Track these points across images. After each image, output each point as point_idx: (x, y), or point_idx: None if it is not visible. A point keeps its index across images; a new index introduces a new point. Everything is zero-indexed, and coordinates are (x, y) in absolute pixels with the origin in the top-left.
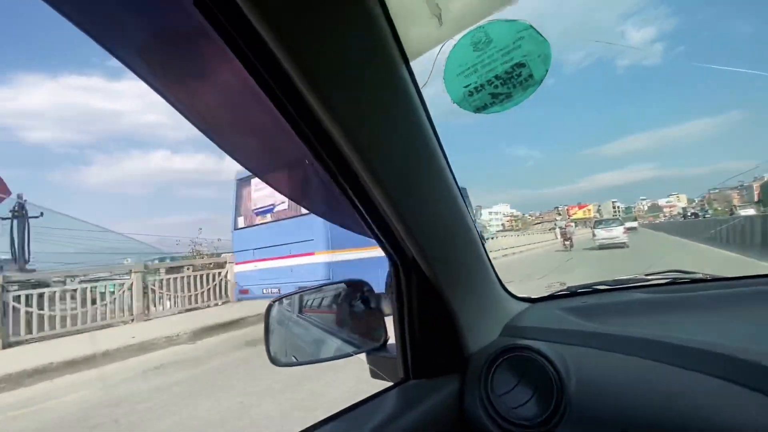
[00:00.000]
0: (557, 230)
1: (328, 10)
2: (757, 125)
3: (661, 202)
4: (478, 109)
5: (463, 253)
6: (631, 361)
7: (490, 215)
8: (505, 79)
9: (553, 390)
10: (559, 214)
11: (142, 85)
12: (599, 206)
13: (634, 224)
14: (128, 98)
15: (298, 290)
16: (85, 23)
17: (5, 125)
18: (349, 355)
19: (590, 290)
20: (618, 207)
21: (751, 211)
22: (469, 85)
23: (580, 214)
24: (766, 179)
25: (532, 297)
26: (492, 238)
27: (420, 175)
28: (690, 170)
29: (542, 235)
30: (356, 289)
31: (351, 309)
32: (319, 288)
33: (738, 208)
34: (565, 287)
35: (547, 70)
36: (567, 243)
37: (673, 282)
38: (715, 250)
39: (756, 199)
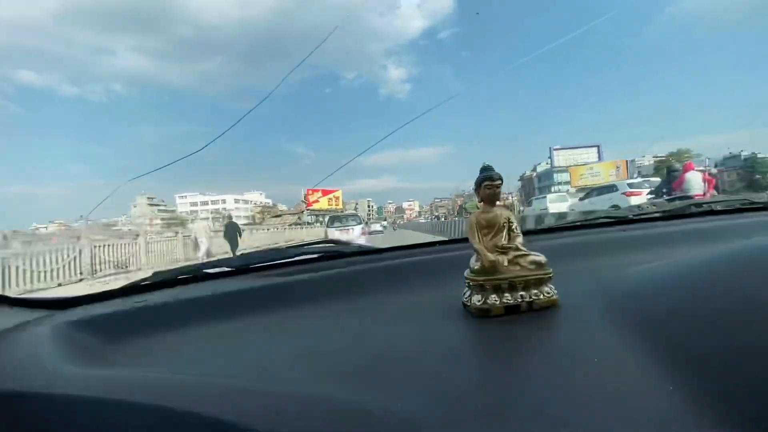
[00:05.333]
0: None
1: None
2: (458, 158)
3: (404, 204)
4: None
5: None
6: None
7: (237, 203)
8: None
9: None
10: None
11: None
12: (356, 203)
13: (384, 223)
14: None
15: None
16: None
17: None
18: None
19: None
20: (372, 206)
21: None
22: None
23: (324, 202)
24: (464, 196)
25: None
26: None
27: None
28: (420, 184)
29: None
30: None
31: None
32: None
33: (448, 214)
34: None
35: None
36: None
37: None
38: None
39: (457, 209)
